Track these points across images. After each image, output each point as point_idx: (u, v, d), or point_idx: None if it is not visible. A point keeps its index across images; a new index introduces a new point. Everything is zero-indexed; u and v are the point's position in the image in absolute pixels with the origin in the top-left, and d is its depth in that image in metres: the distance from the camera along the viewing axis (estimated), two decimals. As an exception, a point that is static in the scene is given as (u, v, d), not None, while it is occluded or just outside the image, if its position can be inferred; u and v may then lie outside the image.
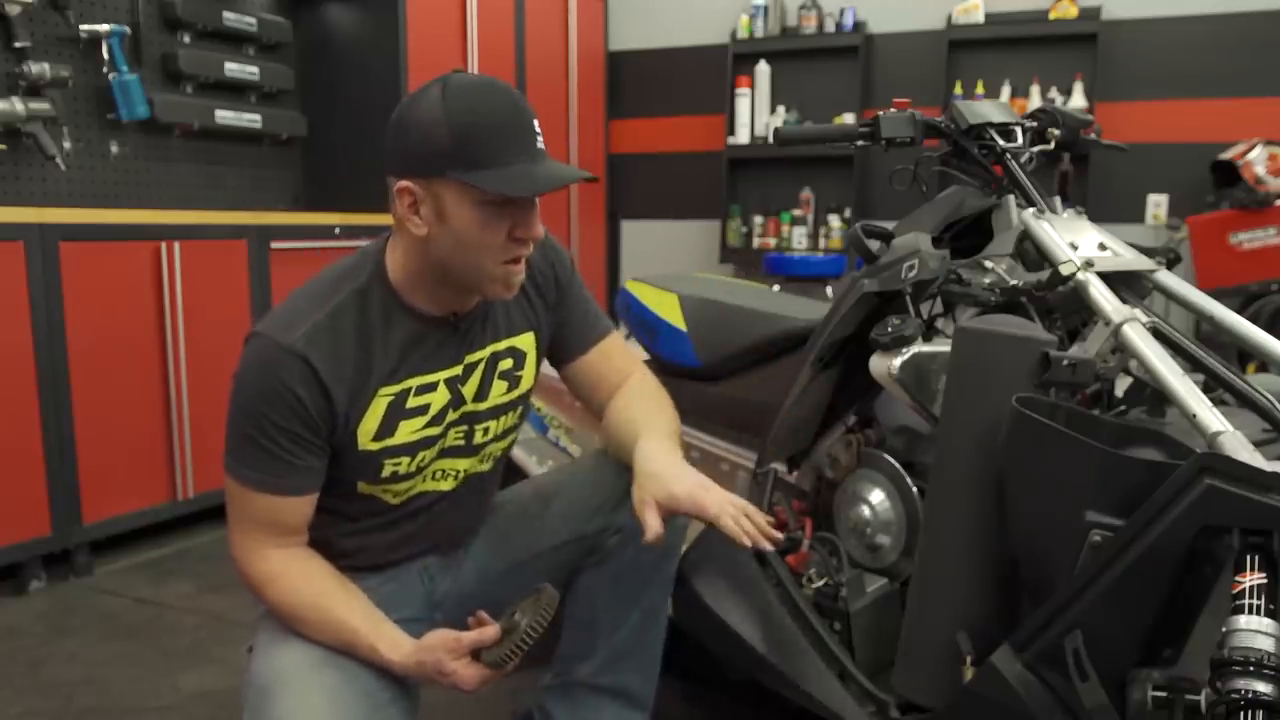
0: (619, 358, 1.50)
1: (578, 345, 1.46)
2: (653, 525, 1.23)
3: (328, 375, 1.19)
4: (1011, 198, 1.49)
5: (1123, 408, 1.39)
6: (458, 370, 1.31)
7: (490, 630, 1.19)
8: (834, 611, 1.54)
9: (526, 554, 1.46)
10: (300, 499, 1.24)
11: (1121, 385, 1.38)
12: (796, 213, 4.85)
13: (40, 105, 2.80)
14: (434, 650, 1.18)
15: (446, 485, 1.37)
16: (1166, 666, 1.04)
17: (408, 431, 1.27)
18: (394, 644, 1.20)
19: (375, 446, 1.25)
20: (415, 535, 1.38)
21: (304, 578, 1.23)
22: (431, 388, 1.28)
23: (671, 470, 1.28)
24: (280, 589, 1.22)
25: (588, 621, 1.47)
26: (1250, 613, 0.91)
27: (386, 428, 1.25)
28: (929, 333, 1.47)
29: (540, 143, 1.19)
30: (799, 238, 4.81)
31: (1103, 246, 1.40)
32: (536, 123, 1.19)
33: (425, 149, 1.14)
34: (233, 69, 3.38)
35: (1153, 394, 1.29)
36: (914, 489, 1.51)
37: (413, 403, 1.27)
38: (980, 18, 4.42)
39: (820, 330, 1.57)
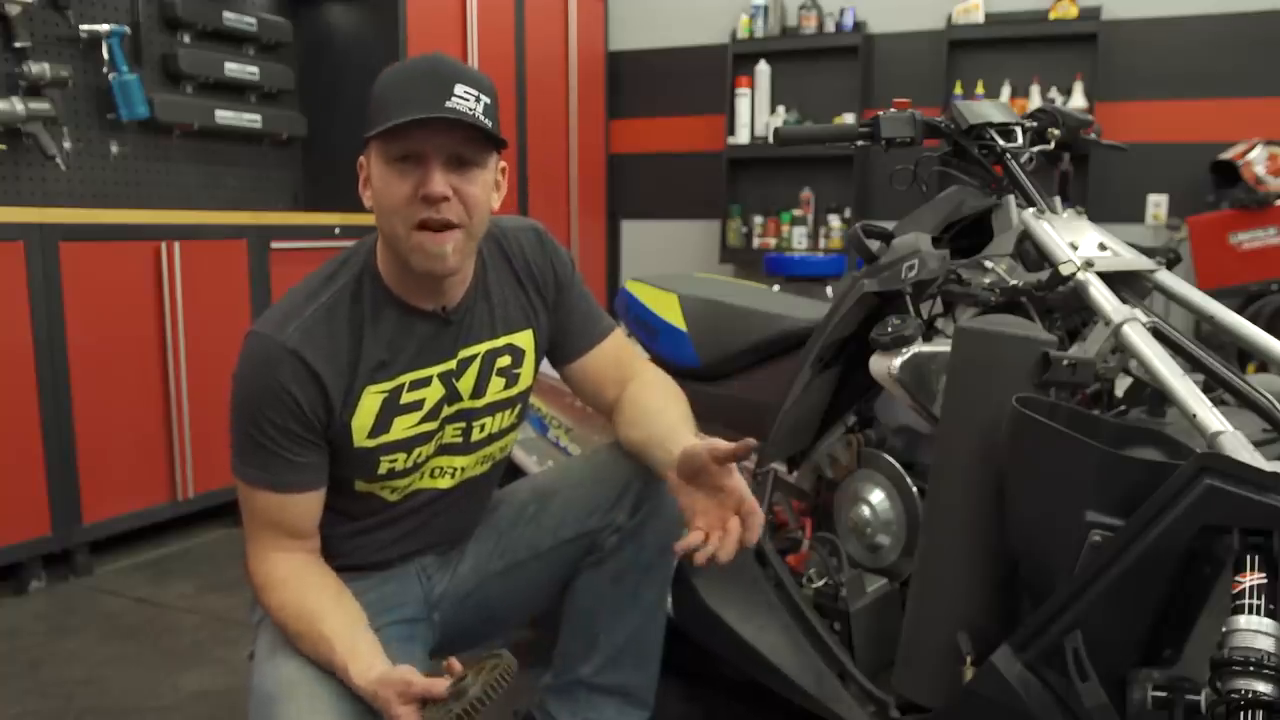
0: (624, 355, 1.50)
1: (580, 344, 1.46)
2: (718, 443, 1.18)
3: (322, 370, 1.19)
4: (1011, 198, 1.49)
5: (1123, 408, 1.39)
6: (451, 365, 1.31)
7: (438, 685, 1.12)
8: (834, 611, 1.54)
9: (524, 554, 1.46)
10: (303, 496, 1.24)
11: (1121, 385, 1.38)
12: (796, 213, 4.85)
13: (40, 105, 2.80)
14: (390, 686, 1.13)
15: (445, 484, 1.37)
16: (1166, 666, 1.04)
17: (402, 427, 1.27)
18: (365, 667, 1.15)
19: (371, 443, 1.25)
20: (413, 533, 1.38)
21: (300, 590, 1.22)
22: (425, 383, 1.28)
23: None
24: (277, 597, 1.22)
25: (587, 621, 1.47)
26: (1250, 613, 0.91)
27: (381, 424, 1.25)
28: (929, 333, 1.47)
29: (457, 102, 1.14)
30: (799, 238, 4.81)
31: (1103, 246, 1.40)
32: (463, 87, 1.15)
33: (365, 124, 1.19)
34: (233, 69, 3.38)
35: (1153, 394, 1.29)
36: (914, 489, 1.51)
37: (407, 398, 1.27)
38: (980, 18, 4.42)
39: (820, 330, 1.57)
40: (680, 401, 1.44)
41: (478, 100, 1.16)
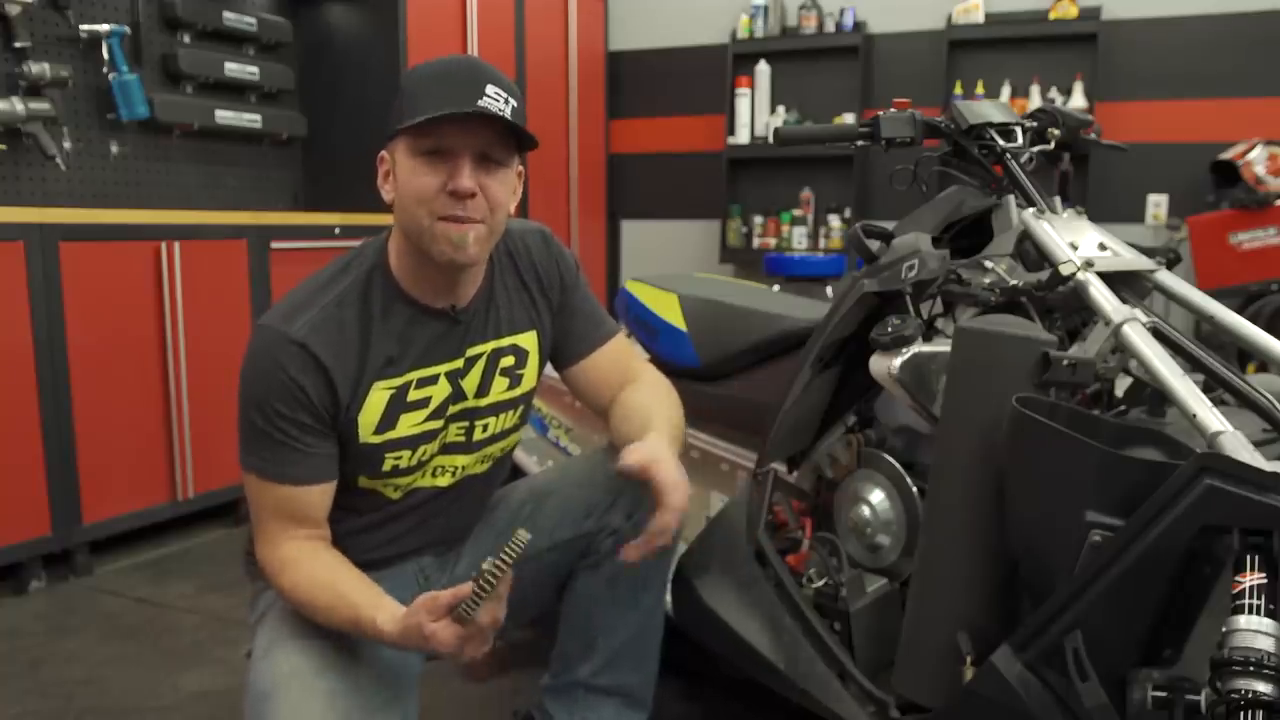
0: (625, 359, 1.50)
1: (583, 347, 1.46)
2: (638, 454, 1.25)
3: (330, 363, 1.20)
4: (1011, 198, 1.49)
5: (1123, 408, 1.39)
6: (459, 364, 1.31)
7: (465, 586, 1.12)
8: (834, 611, 1.53)
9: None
10: (313, 488, 1.24)
11: (1121, 385, 1.38)
12: (796, 213, 4.85)
13: (40, 105, 2.80)
14: (417, 613, 1.13)
15: (444, 482, 1.37)
16: (1166, 666, 1.04)
17: (408, 425, 1.27)
18: (392, 615, 1.16)
19: (377, 439, 1.26)
20: (413, 530, 1.39)
21: (311, 564, 1.23)
22: (432, 380, 1.29)
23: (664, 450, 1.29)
24: (293, 575, 1.23)
25: (585, 623, 1.47)
26: (1250, 613, 0.91)
27: (388, 420, 1.26)
28: (929, 333, 1.47)
29: (487, 102, 1.16)
30: (799, 238, 4.81)
31: (1103, 246, 1.40)
32: (494, 88, 1.17)
33: (388, 119, 1.21)
34: (233, 69, 3.38)
35: (1153, 394, 1.29)
36: (914, 489, 1.51)
37: (414, 395, 1.27)
38: (980, 18, 4.42)
39: (820, 330, 1.57)
40: (670, 405, 1.44)
41: (506, 102, 1.18)
